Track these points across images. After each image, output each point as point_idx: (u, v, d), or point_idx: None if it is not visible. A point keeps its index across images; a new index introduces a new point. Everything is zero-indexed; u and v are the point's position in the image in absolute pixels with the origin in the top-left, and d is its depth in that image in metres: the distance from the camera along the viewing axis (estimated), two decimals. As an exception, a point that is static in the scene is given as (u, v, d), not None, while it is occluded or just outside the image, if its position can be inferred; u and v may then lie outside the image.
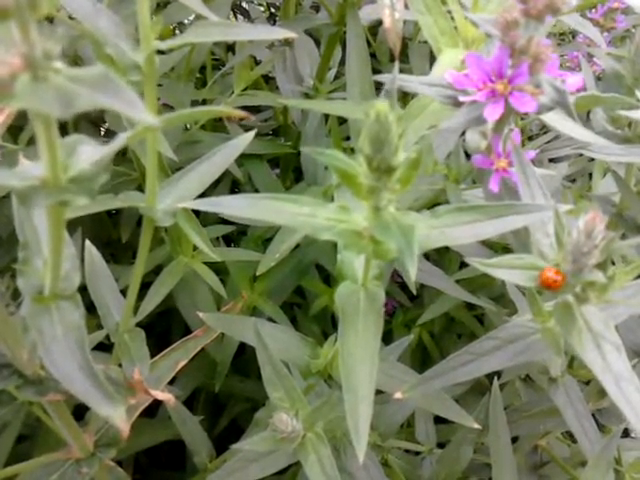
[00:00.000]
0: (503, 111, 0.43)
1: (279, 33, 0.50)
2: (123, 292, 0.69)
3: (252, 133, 0.58)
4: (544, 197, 0.46)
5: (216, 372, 0.92)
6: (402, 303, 1.23)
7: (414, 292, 0.75)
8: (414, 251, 0.35)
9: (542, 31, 0.44)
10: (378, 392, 0.81)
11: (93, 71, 0.22)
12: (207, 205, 0.41)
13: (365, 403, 0.41)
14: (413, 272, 0.34)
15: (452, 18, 0.58)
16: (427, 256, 1.14)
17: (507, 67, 0.43)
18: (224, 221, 0.96)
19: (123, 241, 0.98)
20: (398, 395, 0.54)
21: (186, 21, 0.95)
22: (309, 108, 0.88)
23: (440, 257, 1.15)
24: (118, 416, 0.34)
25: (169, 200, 0.54)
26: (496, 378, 0.75)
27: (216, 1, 0.87)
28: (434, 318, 1.09)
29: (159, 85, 0.90)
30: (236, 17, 1.32)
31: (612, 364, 0.42)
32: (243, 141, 0.58)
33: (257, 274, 0.76)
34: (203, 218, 1.08)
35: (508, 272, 0.42)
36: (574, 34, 1.35)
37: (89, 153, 0.29)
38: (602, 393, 0.74)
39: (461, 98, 0.44)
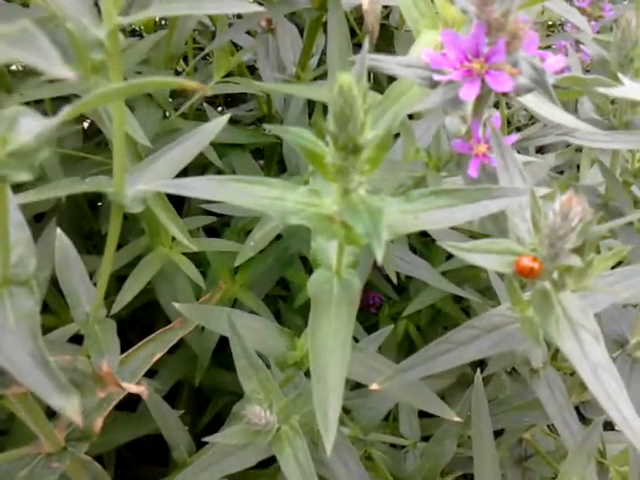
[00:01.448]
0: (479, 91, 0.41)
1: (250, 7, 0.48)
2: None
3: (226, 117, 0.56)
4: (523, 181, 0.45)
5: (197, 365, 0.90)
6: (389, 295, 1.21)
7: (395, 280, 0.74)
8: (381, 234, 0.34)
9: (517, 3, 0.42)
10: (359, 385, 0.80)
11: (14, 26, 0.20)
12: (171, 187, 0.40)
13: (335, 393, 0.39)
14: (380, 255, 0.33)
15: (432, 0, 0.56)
16: (414, 248, 1.13)
17: (484, 45, 0.41)
18: (207, 212, 0.95)
19: (102, 232, 0.96)
20: (375, 386, 0.52)
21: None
22: (291, 96, 0.86)
23: (426, 249, 1.14)
24: (71, 407, 0.32)
25: (139, 185, 0.52)
26: (479, 370, 0.74)
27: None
28: (420, 310, 1.08)
29: (138, 72, 0.88)
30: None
31: (590, 353, 0.41)
32: (216, 125, 0.56)
33: (236, 265, 0.74)
34: (187, 210, 1.06)
35: (484, 257, 0.40)
36: (563, 25, 1.34)
37: (31, 126, 0.27)
38: (585, 385, 0.73)
39: (435, 77, 0.43)
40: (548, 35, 1.24)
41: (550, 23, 1.37)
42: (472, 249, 0.40)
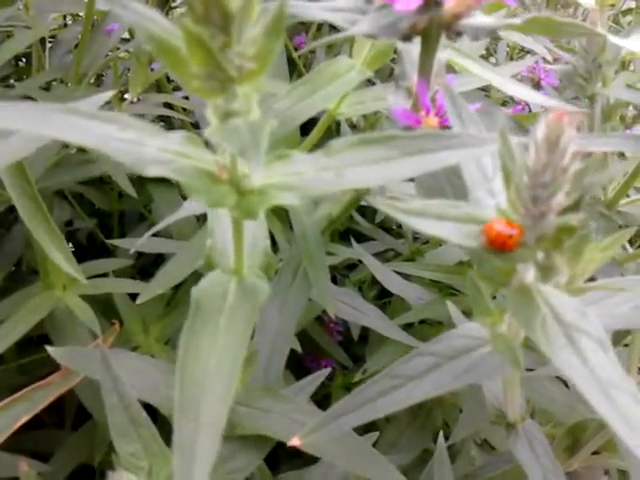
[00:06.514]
0: (422, 3, 0.30)
1: None
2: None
3: (107, 94, 0.44)
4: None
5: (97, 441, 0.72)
6: (343, 364, 1.07)
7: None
8: (260, 147, 0.21)
9: None
10: (294, 456, 0.63)
11: None
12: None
13: (209, 432, 0.25)
14: (258, 171, 0.20)
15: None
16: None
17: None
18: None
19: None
20: (295, 442, 0.37)
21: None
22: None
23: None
24: None
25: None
26: (442, 436, 0.59)
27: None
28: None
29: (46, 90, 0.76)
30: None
31: (596, 367, 0.27)
32: (99, 100, 0.44)
33: (138, 302, 0.60)
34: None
35: (437, 225, 0.28)
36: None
37: None
38: (571, 450, 0.59)
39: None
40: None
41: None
42: (420, 212, 0.27)
